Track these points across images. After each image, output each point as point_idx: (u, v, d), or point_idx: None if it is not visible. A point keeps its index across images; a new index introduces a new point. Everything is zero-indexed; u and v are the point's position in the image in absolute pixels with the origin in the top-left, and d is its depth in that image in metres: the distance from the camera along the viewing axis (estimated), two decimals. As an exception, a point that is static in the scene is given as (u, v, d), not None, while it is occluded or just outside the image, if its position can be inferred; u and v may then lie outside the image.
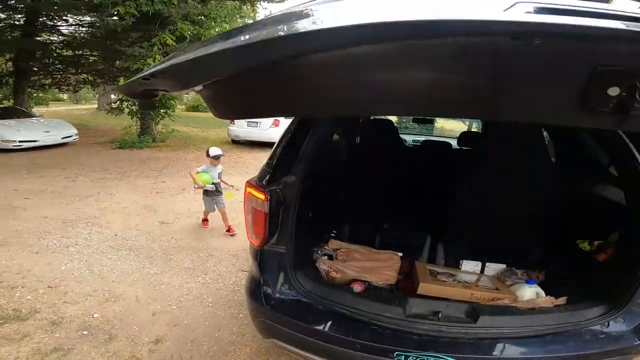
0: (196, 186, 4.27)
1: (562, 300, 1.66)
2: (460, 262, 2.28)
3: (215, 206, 4.42)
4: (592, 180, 2.09)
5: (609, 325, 1.50)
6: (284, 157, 1.88)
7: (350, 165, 3.27)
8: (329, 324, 1.65)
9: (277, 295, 1.75)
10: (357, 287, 1.93)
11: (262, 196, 1.72)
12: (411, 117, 6.12)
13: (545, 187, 1.97)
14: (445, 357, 1.46)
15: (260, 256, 1.84)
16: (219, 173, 4.40)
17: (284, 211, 1.79)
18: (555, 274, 2.00)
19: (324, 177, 2.58)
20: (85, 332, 2.53)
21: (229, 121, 11.75)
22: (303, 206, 1.90)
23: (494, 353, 1.44)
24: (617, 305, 1.49)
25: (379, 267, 2.12)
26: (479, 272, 2.21)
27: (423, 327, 1.57)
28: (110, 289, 3.11)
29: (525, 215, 2.04)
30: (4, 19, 11.80)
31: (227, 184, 4.54)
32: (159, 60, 9.13)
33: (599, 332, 1.49)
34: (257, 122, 10.95)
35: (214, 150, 4.39)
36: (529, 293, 1.82)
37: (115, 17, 9.21)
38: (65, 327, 2.57)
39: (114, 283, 3.22)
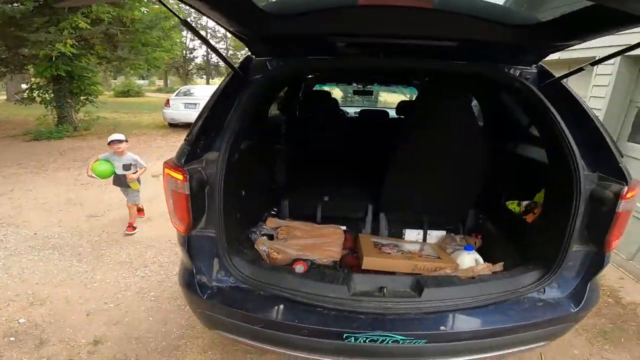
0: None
1: (498, 266, 1.71)
2: (403, 231, 2.28)
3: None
4: (516, 142, 2.17)
5: (544, 292, 1.54)
6: (205, 132, 1.63)
7: (290, 139, 3.11)
8: (272, 310, 1.53)
9: (214, 283, 1.59)
10: (300, 267, 1.82)
11: (180, 176, 1.48)
12: (352, 90, 6.05)
13: (476, 152, 1.98)
14: (394, 335, 1.43)
15: (189, 243, 1.63)
16: (127, 164, 3.63)
17: (209, 192, 1.57)
18: (491, 239, 2.08)
19: (259, 152, 2.38)
20: (12, 339, 2.26)
21: (164, 104, 10.91)
22: (234, 185, 1.73)
23: (441, 327, 1.43)
24: (550, 270, 1.55)
25: (322, 243, 2.02)
26: (422, 241, 2.23)
27: (369, 305, 1.51)
28: (34, 292, 2.75)
29: (459, 180, 2.06)
30: None
31: (132, 177, 3.66)
32: (70, 44, 7.99)
33: (536, 299, 1.54)
34: (195, 104, 10.20)
35: (112, 136, 3.64)
36: (468, 260, 1.86)
37: (14, 4, 7.76)
38: (-12, 336, 2.20)
39: (38, 285, 2.86)
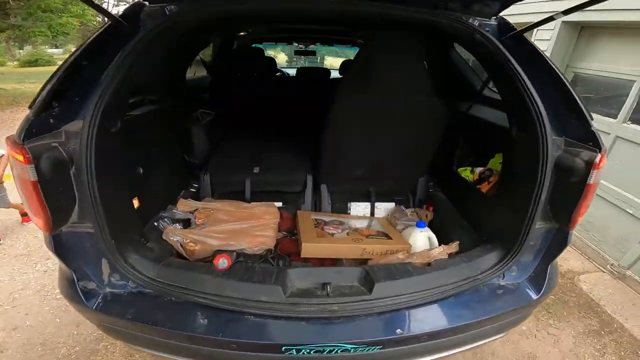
0: None
1: (454, 246, 1.51)
2: (349, 205, 2.00)
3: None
4: (470, 102, 1.94)
5: (504, 277, 1.39)
6: (61, 96, 1.16)
7: (216, 104, 2.60)
8: (188, 321, 1.20)
9: (107, 290, 1.27)
10: (223, 262, 1.45)
11: (20, 157, 1.03)
12: (293, 51, 5.45)
13: (425, 113, 1.71)
14: (343, 345, 1.18)
15: (57, 243, 1.22)
16: None
17: (75, 174, 1.13)
18: (442, 211, 1.89)
19: (168, 119, 1.88)
20: None
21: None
22: (123, 161, 1.35)
23: (397, 330, 1.21)
24: (510, 252, 1.38)
25: (251, 227, 1.67)
26: (370, 216, 1.98)
27: (311, 309, 1.24)
28: None
29: (409, 144, 1.80)
30: None
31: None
32: None
33: (496, 286, 1.38)
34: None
35: None
36: (421, 239, 1.66)
37: None
38: None
39: None
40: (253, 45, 3.65)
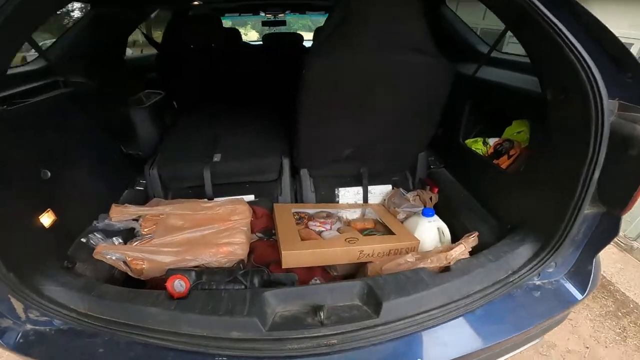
0: None
1: (473, 240, 1.21)
2: (337, 191, 1.65)
3: None
4: (477, 64, 1.60)
5: (539, 275, 1.12)
6: None
7: (168, 83, 2.15)
8: None
9: (28, 327, 1.02)
10: (178, 284, 1.11)
11: None
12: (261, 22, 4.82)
13: (427, 75, 1.36)
14: None
15: None
16: None
17: None
18: (449, 193, 1.57)
19: (91, 105, 1.47)
20: None
21: None
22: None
23: None
24: (548, 244, 1.08)
25: (215, 234, 1.30)
26: (363, 202, 1.64)
27: (303, 345, 0.93)
28: None
29: (406, 114, 1.44)
30: None
31: None
32: None
33: (532, 288, 1.12)
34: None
35: None
36: (430, 232, 1.35)
37: None
38: None
39: None
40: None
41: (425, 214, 1.37)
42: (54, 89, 1.39)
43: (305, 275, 1.26)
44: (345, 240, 1.28)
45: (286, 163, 1.59)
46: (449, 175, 1.68)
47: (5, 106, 1.12)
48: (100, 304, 0.96)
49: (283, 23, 4.70)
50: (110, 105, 1.61)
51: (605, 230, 1.12)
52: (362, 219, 1.51)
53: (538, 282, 1.15)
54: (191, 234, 1.29)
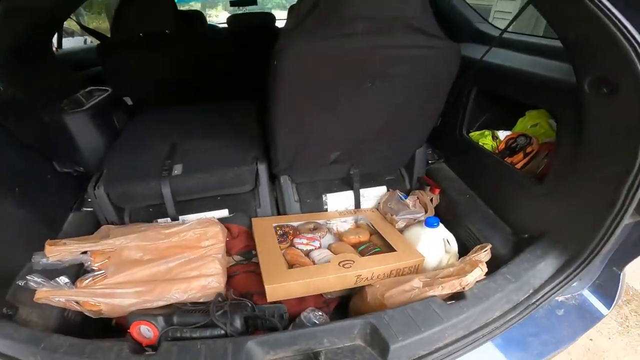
0: None
1: (486, 253, 1.07)
2: (324, 198, 1.47)
3: None
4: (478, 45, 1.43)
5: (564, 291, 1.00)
6: None
7: (118, 82, 1.87)
8: None
9: None
10: (146, 331, 0.95)
11: None
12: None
13: (428, 60, 1.17)
14: None
15: None
16: None
17: None
18: (452, 195, 1.41)
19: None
20: None
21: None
22: None
23: None
24: (575, 257, 0.97)
25: (182, 265, 1.12)
26: (355, 208, 1.48)
27: None
28: None
29: (403, 106, 1.25)
30: None
31: None
32: None
33: (554, 306, 1.02)
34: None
35: None
36: (435, 245, 1.20)
37: None
38: None
39: None
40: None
41: (429, 223, 1.22)
42: None
43: (296, 305, 1.11)
44: (339, 264, 1.12)
45: (262, 170, 1.38)
46: (450, 171, 1.53)
47: None
48: (55, 357, 0.81)
49: (254, 2, 4.31)
50: (34, 113, 1.35)
51: (636, 240, 1.01)
52: (357, 230, 1.35)
53: (560, 299, 1.05)
54: (154, 267, 1.10)
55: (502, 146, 1.34)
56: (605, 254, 1.03)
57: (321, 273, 1.11)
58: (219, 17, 5.96)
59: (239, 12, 4.33)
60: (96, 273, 1.10)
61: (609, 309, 1.05)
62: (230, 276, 1.19)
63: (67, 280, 1.06)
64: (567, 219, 1.04)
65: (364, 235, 1.32)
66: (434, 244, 1.21)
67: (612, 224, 0.90)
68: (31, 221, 1.18)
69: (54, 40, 2.63)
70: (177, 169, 1.31)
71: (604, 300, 1.07)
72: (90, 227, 1.29)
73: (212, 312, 0.98)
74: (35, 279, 1.03)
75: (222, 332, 0.95)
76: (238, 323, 0.98)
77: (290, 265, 1.17)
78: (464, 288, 0.98)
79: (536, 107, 1.33)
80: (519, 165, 1.25)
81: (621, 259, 1.05)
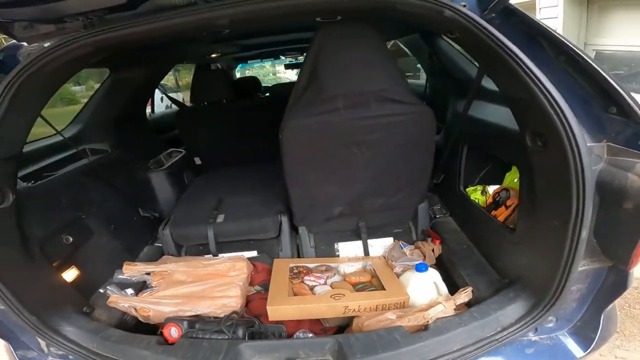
0: None
1: (465, 295, 1.21)
2: (336, 246, 1.74)
3: None
4: (468, 100, 1.59)
5: (536, 331, 1.10)
6: None
7: (189, 143, 2.47)
8: None
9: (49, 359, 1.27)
10: (174, 331, 1.28)
11: None
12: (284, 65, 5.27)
13: (405, 125, 1.42)
14: None
15: None
16: None
17: None
18: (453, 245, 1.56)
19: (108, 170, 1.84)
20: None
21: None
22: (30, 234, 1.29)
23: None
24: (541, 299, 1.06)
25: (214, 287, 1.46)
26: (364, 255, 1.70)
27: None
28: None
29: (390, 168, 1.51)
30: None
31: None
32: None
33: (525, 344, 1.09)
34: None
35: None
36: (424, 287, 1.36)
37: None
38: None
39: None
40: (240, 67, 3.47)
41: (418, 268, 1.39)
42: (80, 159, 1.72)
43: (294, 326, 1.35)
44: (331, 296, 1.35)
45: (285, 221, 1.72)
46: (454, 224, 1.69)
47: (31, 182, 1.44)
48: (105, 345, 1.16)
49: None
50: (130, 170, 1.92)
51: (614, 285, 1.07)
52: (360, 273, 1.56)
53: (534, 338, 1.12)
54: (192, 287, 1.46)
55: (489, 200, 1.49)
56: (582, 297, 1.10)
57: (315, 301, 1.36)
58: (287, 72, 6.81)
59: (280, 82, 4.90)
60: (153, 289, 1.50)
61: (584, 352, 1.07)
62: (248, 301, 1.49)
63: (132, 291, 1.48)
64: (534, 264, 1.14)
65: (365, 277, 1.53)
66: (423, 286, 1.37)
67: (565, 269, 0.98)
68: (118, 249, 1.67)
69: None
70: (220, 218, 1.73)
71: (581, 342, 1.09)
72: (157, 257, 1.73)
73: (222, 323, 1.28)
74: (111, 288, 1.46)
75: (227, 337, 1.23)
76: (240, 333, 1.26)
77: (294, 296, 1.43)
78: (427, 321, 1.13)
79: (513, 162, 1.45)
80: (502, 217, 1.39)
81: (600, 303, 1.09)
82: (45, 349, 1.26)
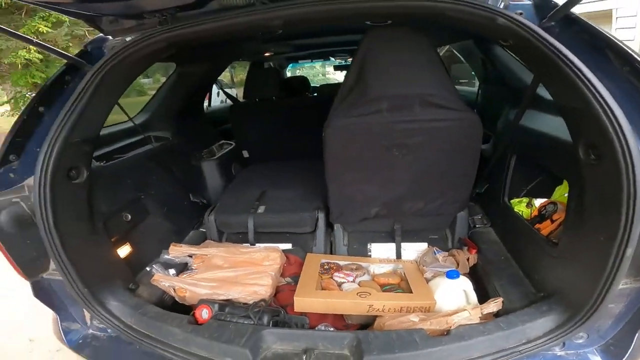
0: None
1: (494, 305, 1.18)
2: (369, 246, 1.76)
3: None
4: (520, 109, 1.53)
5: (564, 345, 1.06)
6: (18, 148, 1.25)
7: (238, 135, 2.63)
8: None
9: (90, 331, 1.40)
10: (204, 312, 1.37)
11: None
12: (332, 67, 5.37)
13: (451, 131, 1.41)
14: None
15: (36, 288, 1.38)
16: None
17: (41, 227, 1.18)
18: (490, 256, 1.51)
19: (168, 159, 1.97)
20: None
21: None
22: (97, 210, 1.42)
23: None
24: (577, 314, 1.02)
25: (247, 275, 1.55)
26: (395, 258, 1.71)
27: None
28: None
29: (432, 173, 1.50)
30: None
31: None
32: (34, 51, 7.91)
33: (550, 358, 1.06)
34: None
35: None
36: (453, 294, 1.34)
37: None
38: None
39: None
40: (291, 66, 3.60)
41: (449, 275, 1.37)
42: (145, 145, 1.90)
43: (317, 320, 1.39)
44: (357, 294, 1.38)
45: (321, 217, 1.78)
46: (494, 235, 1.63)
47: (103, 162, 1.62)
48: (142, 320, 1.27)
49: None
50: (185, 158, 2.09)
51: None
52: (390, 275, 1.57)
53: (560, 353, 1.09)
54: (227, 272, 1.57)
55: (534, 213, 1.42)
56: (618, 315, 1.05)
57: (340, 297, 1.40)
58: (336, 74, 6.92)
59: (327, 82, 5.00)
60: (192, 271, 1.63)
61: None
62: (277, 291, 1.56)
63: (174, 272, 1.62)
64: (573, 279, 1.10)
65: (394, 279, 1.53)
66: (452, 293, 1.35)
67: (605, 287, 0.95)
68: (168, 231, 1.83)
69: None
70: (261, 209, 1.84)
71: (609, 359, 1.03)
72: (201, 241, 1.87)
73: (250, 309, 1.36)
74: (157, 267, 1.61)
75: (252, 323, 1.31)
76: (265, 320, 1.32)
77: (322, 290, 1.48)
78: (449, 326, 1.12)
79: (564, 175, 1.37)
80: (546, 231, 1.32)
81: (637, 321, 1.03)
82: (88, 322, 1.38)
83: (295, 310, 1.39)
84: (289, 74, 5.35)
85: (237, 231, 1.87)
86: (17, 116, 1.24)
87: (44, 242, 1.17)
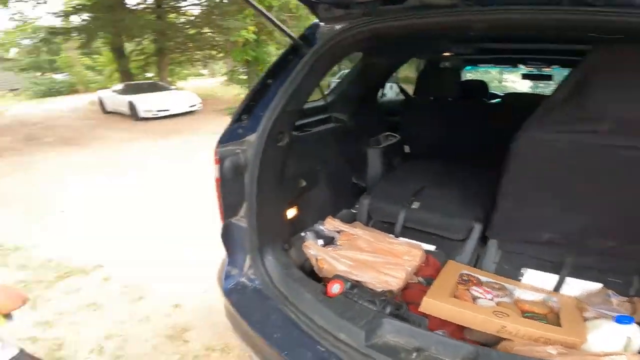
0: None
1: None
2: (522, 271, 1.56)
3: None
4: None
5: None
6: (249, 110, 1.54)
7: (406, 128, 2.71)
8: (271, 328, 1.32)
9: (242, 279, 1.51)
10: (336, 287, 1.50)
11: (214, 157, 1.48)
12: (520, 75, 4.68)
13: None
14: None
15: (223, 230, 1.58)
16: None
17: (248, 177, 1.47)
18: None
19: (344, 140, 2.17)
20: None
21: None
22: (287, 172, 1.62)
23: None
24: None
25: (383, 263, 1.64)
26: (552, 291, 1.47)
27: None
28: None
29: (637, 209, 1.20)
30: (139, 3, 14.67)
31: None
32: (252, 30, 9.93)
33: None
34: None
35: None
36: (612, 338, 1.08)
37: None
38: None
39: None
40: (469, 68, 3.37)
41: (620, 319, 1.12)
42: (328, 123, 2.15)
43: (436, 325, 1.36)
44: (493, 312, 1.27)
45: (477, 228, 1.69)
46: None
47: (299, 132, 1.86)
48: (284, 280, 1.44)
49: (548, 78, 4.20)
50: (356, 141, 2.28)
51: None
52: (537, 304, 1.36)
53: None
54: (367, 256, 1.69)
55: None
56: None
57: (473, 310, 1.31)
58: (515, 83, 6.03)
59: (515, 91, 4.33)
60: (337, 246, 1.81)
61: None
62: (406, 287, 1.59)
63: (322, 242, 1.84)
64: None
65: (541, 309, 1.33)
66: (612, 337, 1.10)
67: None
68: (328, 203, 2.06)
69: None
70: (415, 205, 1.88)
71: None
72: (350, 221, 2.04)
73: (377, 295, 1.43)
74: (309, 234, 1.86)
75: (375, 309, 1.37)
76: (387, 310, 1.35)
77: (454, 298, 1.42)
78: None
79: None
80: None
81: None
82: (245, 270, 1.51)
83: (418, 310, 1.38)
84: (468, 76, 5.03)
85: (385, 220, 1.96)
86: (252, 85, 1.60)
87: (246, 190, 1.45)
